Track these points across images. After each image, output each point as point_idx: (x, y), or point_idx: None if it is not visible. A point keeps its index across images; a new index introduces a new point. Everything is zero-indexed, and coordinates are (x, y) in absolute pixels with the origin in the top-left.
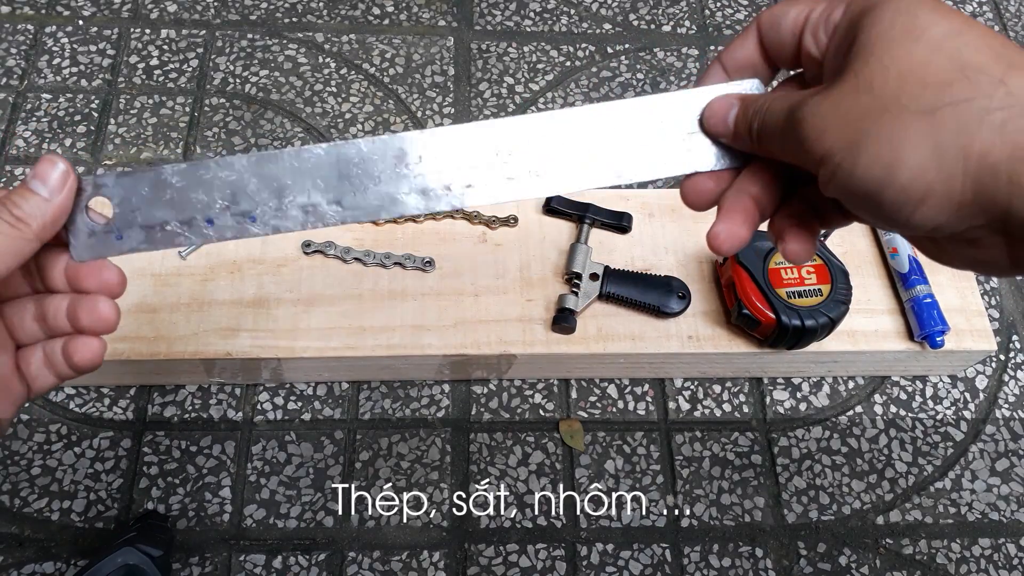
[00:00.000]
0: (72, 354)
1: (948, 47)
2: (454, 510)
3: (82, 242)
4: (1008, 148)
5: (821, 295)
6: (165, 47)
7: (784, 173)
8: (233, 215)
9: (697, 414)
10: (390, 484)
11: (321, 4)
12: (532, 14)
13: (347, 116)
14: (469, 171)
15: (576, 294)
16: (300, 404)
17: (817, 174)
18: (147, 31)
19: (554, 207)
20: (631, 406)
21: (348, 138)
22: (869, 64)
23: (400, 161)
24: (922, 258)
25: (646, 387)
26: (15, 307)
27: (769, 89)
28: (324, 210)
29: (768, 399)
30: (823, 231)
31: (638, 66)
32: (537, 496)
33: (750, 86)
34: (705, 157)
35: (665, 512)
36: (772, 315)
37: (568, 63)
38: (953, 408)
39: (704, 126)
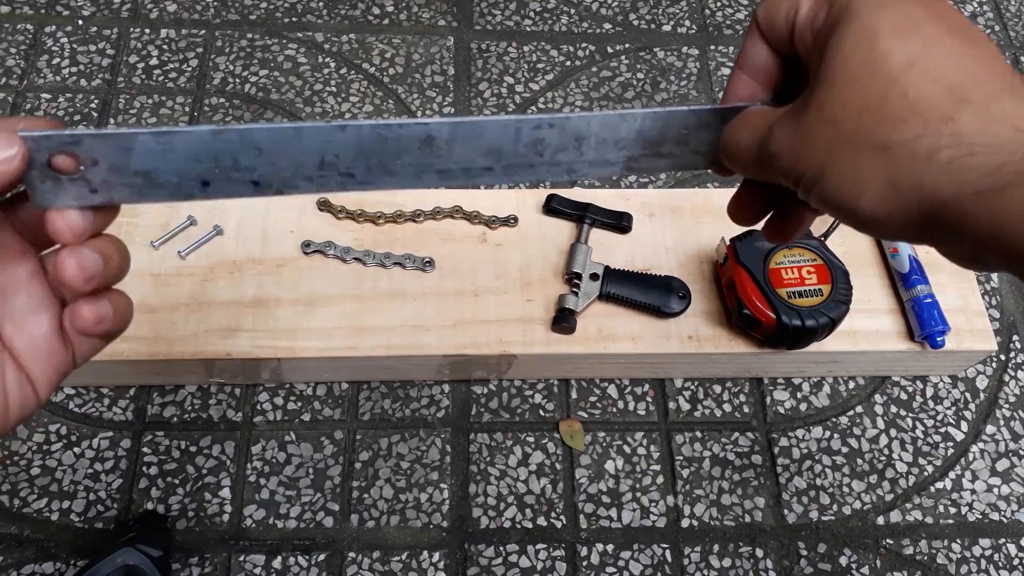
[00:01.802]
0: (73, 320)
1: (902, 82)
2: (454, 510)
3: (43, 190)
4: (954, 186)
5: (821, 295)
6: (165, 47)
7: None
8: (232, 178)
9: (697, 414)
10: (390, 484)
11: (321, 4)
12: (532, 14)
13: (347, 116)
14: (490, 157)
15: (576, 294)
16: (300, 404)
17: (798, 192)
18: (147, 31)
19: (554, 207)
20: (631, 406)
21: None
22: (832, 96)
23: (426, 145)
24: (923, 257)
25: (646, 387)
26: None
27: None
28: (336, 177)
29: (768, 399)
30: (823, 233)
31: (638, 66)
32: (537, 496)
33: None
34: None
35: (665, 512)
36: (772, 315)
37: (568, 63)
38: (953, 408)
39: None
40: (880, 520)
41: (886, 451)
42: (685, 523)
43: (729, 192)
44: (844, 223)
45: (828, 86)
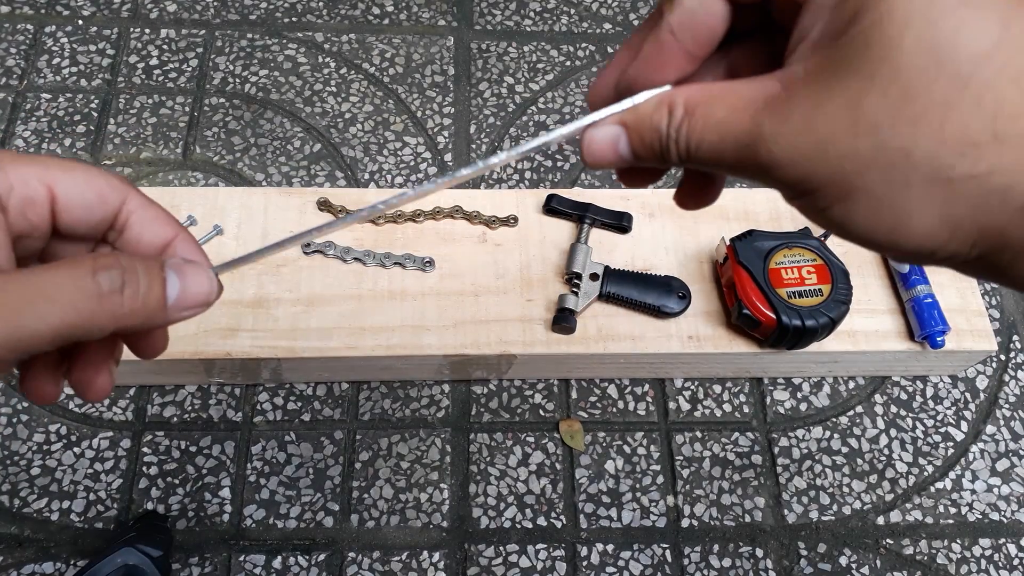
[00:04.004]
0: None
1: (976, 83)
2: (454, 510)
3: None
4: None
5: (821, 295)
6: (165, 47)
7: None
8: None
9: (697, 414)
10: (390, 484)
11: (321, 4)
12: (532, 14)
13: (347, 116)
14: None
15: (576, 294)
16: (300, 404)
17: (791, 204)
18: (147, 31)
19: (554, 207)
20: (631, 406)
21: (348, 138)
22: (871, 95)
23: None
24: None
25: (646, 387)
26: None
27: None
28: None
29: (768, 399)
30: (823, 233)
31: None
32: (537, 496)
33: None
34: None
35: (665, 512)
36: (772, 315)
37: (568, 63)
38: (953, 408)
39: (588, 163)
40: (880, 520)
41: (886, 451)
42: (685, 523)
43: (730, 192)
44: (863, 247)
45: (865, 79)
